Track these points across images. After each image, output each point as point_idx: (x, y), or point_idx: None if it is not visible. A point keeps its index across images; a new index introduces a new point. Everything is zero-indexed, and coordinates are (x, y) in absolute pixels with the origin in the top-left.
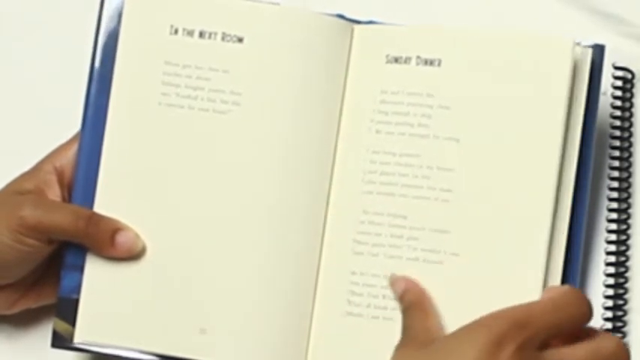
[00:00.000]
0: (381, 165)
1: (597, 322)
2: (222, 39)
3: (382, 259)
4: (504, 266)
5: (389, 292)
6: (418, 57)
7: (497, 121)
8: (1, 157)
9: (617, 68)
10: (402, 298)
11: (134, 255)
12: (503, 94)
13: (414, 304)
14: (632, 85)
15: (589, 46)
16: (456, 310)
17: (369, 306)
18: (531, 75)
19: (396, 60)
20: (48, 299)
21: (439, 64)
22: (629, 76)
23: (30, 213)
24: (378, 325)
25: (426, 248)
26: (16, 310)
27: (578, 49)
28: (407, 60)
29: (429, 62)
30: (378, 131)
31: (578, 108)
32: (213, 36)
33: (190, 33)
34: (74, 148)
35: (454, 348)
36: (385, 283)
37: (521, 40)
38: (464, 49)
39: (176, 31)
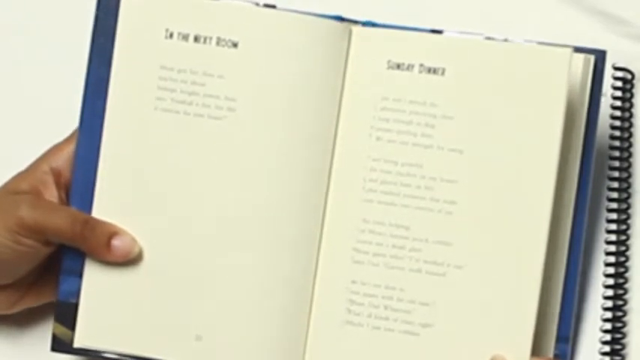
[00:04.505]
0: (381, 173)
1: (596, 322)
2: (217, 44)
3: (383, 269)
4: (505, 277)
5: (391, 303)
6: (421, 65)
7: (499, 132)
8: None
9: (617, 69)
10: None
11: (131, 259)
12: (506, 105)
13: None
14: (632, 86)
15: (591, 52)
16: (458, 322)
17: (370, 316)
18: (531, 85)
19: (398, 66)
20: (48, 298)
21: (443, 73)
22: (629, 76)
23: (28, 213)
24: (379, 335)
25: (429, 260)
26: (17, 309)
27: (580, 56)
28: (409, 67)
29: (433, 71)
30: (378, 138)
31: (581, 113)
32: (208, 40)
33: (185, 37)
34: (70, 147)
35: None
36: (387, 293)
37: (522, 51)
38: (468, 59)
39: (171, 35)
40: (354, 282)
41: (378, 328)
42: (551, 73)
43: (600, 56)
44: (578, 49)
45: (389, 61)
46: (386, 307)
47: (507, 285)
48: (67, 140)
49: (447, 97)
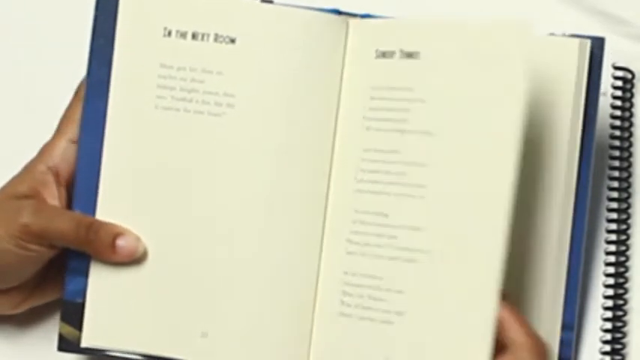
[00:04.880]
0: (370, 163)
1: (597, 322)
2: (215, 40)
3: (368, 259)
4: (468, 262)
5: (373, 292)
6: (401, 50)
7: (465, 112)
8: None
9: (617, 68)
10: None
11: (136, 258)
12: (471, 85)
13: None
14: (632, 85)
15: (587, 38)
16: (429, 309)
17: (357, 306)
18: (491, 63)
19: (384, 54)
20: (52, 297)
21: (418, 57)
22: (629, 76)
23: (31, 220)
24: (364, 326)
25: (402, 246)
26: (22, 309)
27: (575, 41)
28: (391, 54)
29: (409, 55)
30: (368, 128)
31: (579, 99)
32: (205, 37)
33: (183, 35)
34: (61, 143)
35: None
36: (370, 282)
37: (483, 29)
38: (441, 41)
39: (169, 33)
40: (346, 273)
41: (364, 318)
42: (507, 49)
43: (598, 43)
44: (575, 36)
45: (377, 50)
46: (369, 297)
47: (470, 270)
48: (56, 136)
49: (421, 80)
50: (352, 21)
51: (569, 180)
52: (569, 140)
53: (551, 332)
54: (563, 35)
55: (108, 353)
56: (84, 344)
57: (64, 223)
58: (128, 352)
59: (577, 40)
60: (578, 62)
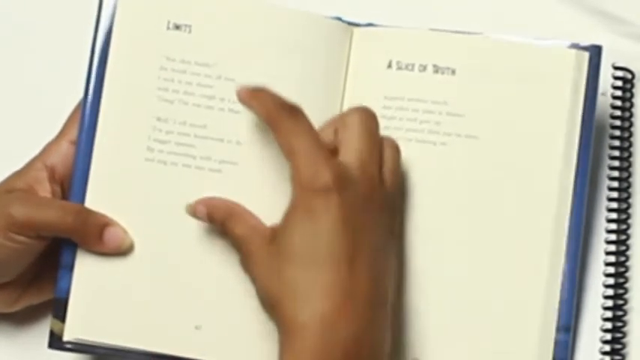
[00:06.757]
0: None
1: (597, 322)
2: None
3: None
4: None
5: None
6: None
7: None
8: None
9: (616, 68)
10: (212, 219)
11: (122, 251)
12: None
13: (227, 218)
14: (632, 85)
15: (586, 48)
16: None
17: None
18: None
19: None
20: (49, 294)
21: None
22: (629, 76)
23: (18, 211)
24: None
25: None
26: (18, 307)
27: (572, 51)
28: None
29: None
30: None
31: (576, 109)
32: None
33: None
34: (63, 143)
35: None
36: None
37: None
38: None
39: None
40: None
41: None
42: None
43: (596, 52)
44: (572, 46)
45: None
46: None
47: None
48: (59, 136)
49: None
50: (357, 29)
51: (564, 182)
52: (565, 146)
53: (545, 333)
54: (561, 43)
55: (98, 349)
56: (66, 337)
57: (50, 211)
58: (117, 348)
59: (574, 52)
60: (574, 74)
